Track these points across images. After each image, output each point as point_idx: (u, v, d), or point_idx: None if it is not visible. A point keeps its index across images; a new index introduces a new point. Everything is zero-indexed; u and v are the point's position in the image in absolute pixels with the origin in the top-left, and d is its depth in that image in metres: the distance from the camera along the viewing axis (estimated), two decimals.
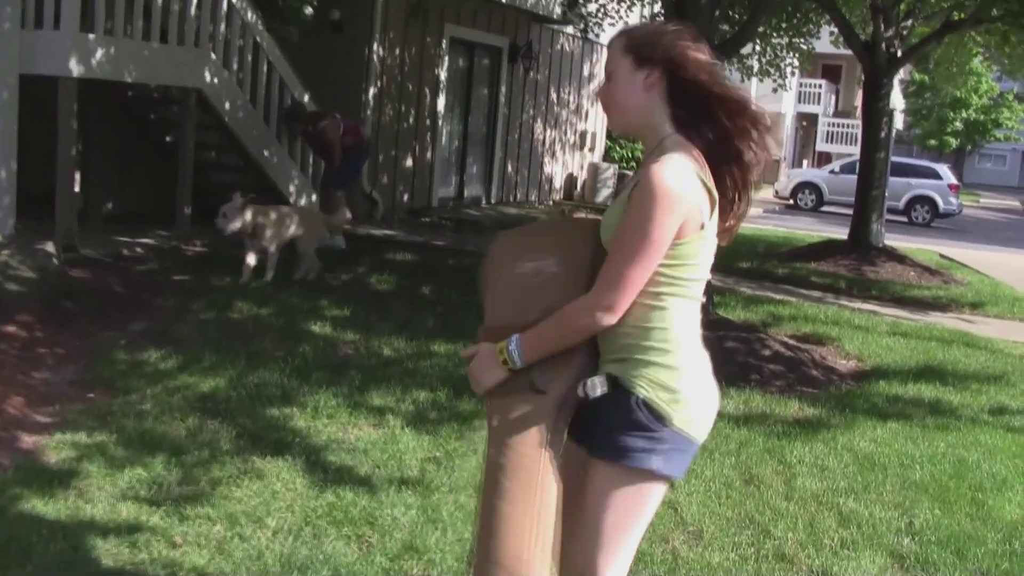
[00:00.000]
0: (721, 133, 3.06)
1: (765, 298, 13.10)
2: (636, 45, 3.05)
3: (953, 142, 60.49)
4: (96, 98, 12.25)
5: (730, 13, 10.81)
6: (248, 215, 10.31)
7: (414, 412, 6.98)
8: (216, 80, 12.76)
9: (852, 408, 7.96)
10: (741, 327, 10.13)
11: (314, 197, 14.65)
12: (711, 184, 2.99)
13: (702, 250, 3.01)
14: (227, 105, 13.05)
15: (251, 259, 10.52)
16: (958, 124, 59.26)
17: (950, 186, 32.39)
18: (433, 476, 5.88)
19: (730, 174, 3.11)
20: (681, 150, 2.97)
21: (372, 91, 16.69)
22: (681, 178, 2.90)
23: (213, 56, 12.72)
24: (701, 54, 3.03)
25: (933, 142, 59.96)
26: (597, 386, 2.98)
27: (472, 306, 10.16)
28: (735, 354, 8.96)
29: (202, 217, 11.99)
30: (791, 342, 9.99)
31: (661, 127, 3.05)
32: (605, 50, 3.27)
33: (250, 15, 13.24)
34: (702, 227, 2.97)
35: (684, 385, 2.99)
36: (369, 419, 6.77)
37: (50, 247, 10.24)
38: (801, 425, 7.40)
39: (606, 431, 3.01)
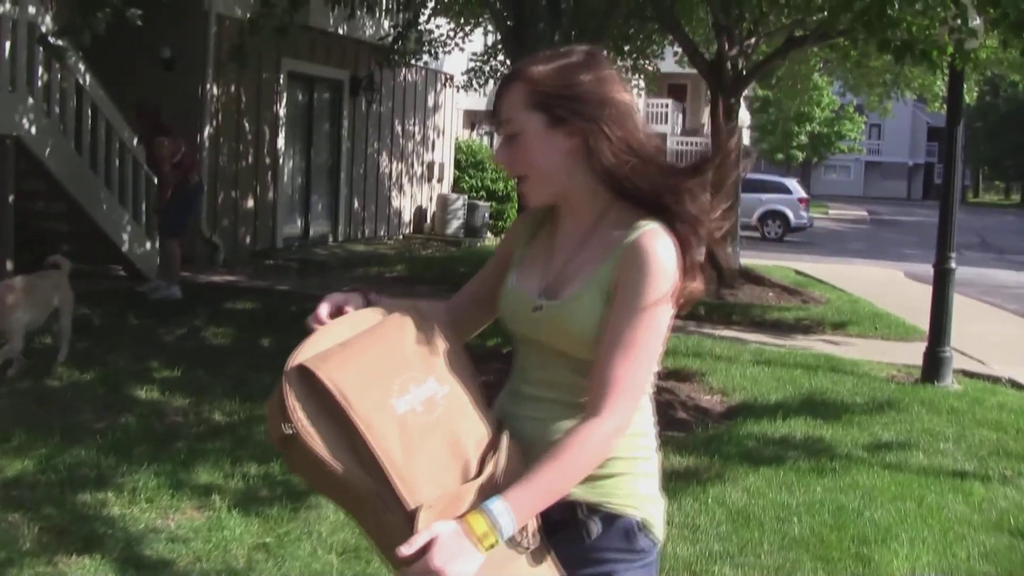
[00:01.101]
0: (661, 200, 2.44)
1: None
2: (548, 99, 2.38)
3: (799, 155, 61.46)
4: None
5: (572, 35, 10.35)
6: None
7: (243, 489, 6.28)
8: (35, 127, 11.92)
9: (722, 454, 7.48)
10: None
11: (148, 246, 13.87)
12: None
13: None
14: (48, 151, 12.20)
15: None
16: (803, 138, 60.19)
17: (800, 200, 32.66)
18: (262, 567, 5.22)
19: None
20: (644, 217, 2.39)
21: (208, 130, 16.03)
22: (674, 254, 2.35)
23: (31, 100, 11.88)
24: (630, 104, 2.44)
25: (780, 156, 60.82)
26: (592, 528, 2.40)
27: None
28: None
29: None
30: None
31: (599, 190, 2.44)
32: (495, 98, 2.53)
33: (72, 57, 12.41)
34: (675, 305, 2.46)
35: (659, 487, 2.54)
36: (193, 500, 6.06)
37: None
38: (667, 477, 6.82)
39: (597, 562, 2.42)
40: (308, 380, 2.22)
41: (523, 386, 2.54)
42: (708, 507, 6.36)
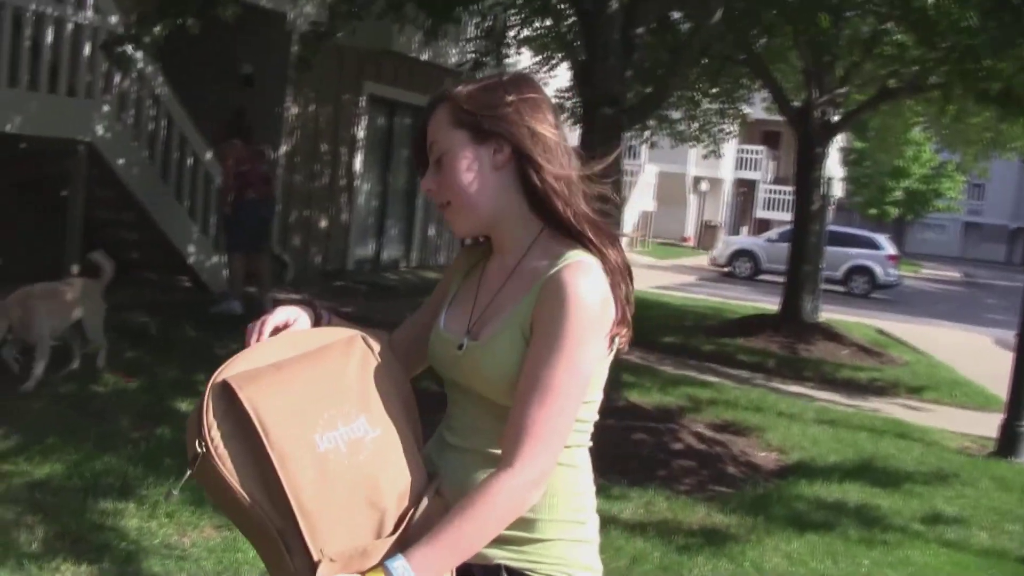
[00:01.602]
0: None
1: (686, 378, 12.24)
2: (472, 115, 2.21)
3: (894, 211, 60.39)
4: None
5: (645, 70, 10.07)
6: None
7: None
8: (108, 134, 11.86)
9: (767, 514, 7.06)
10: (652, 415, 9.28)
11: (216, 259, 13.74)
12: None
13: (604, 376, 2.26)
14: (120, 160, 12.12)
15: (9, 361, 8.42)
16: (899, 193, 59.16)
17: (889, 256, 31.90)
18: None
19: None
20: (577, 250, 2.18)
21: (284, 148, 15.85)
22: (602, 289, 2.13)
23: (106, 108, 11.82)
24: (551, 124, 2.24)
25: (874, 211, 59.79)
26: None
27: None
28: (641, 447, 8.11)
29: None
30: (707, 433, 9.14)
31: (528, 219, 2.25)
32: (420, 124, 2.33)
33: (149, 67, 12.36)
34: (610, 351, 2.22)
35: (597, 554, 2.30)
36: (213, 519, 5.82)
37: None
38: (707, 535, 6.50)
39: None
40: (231, 398, 2.02)
41: (447, 433, 2.32)
42: (744, 570, 5.99)
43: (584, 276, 2.10)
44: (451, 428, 2.30)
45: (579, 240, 2.17)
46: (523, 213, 2.24)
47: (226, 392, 2.03)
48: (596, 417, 2.25)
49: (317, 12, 14.32)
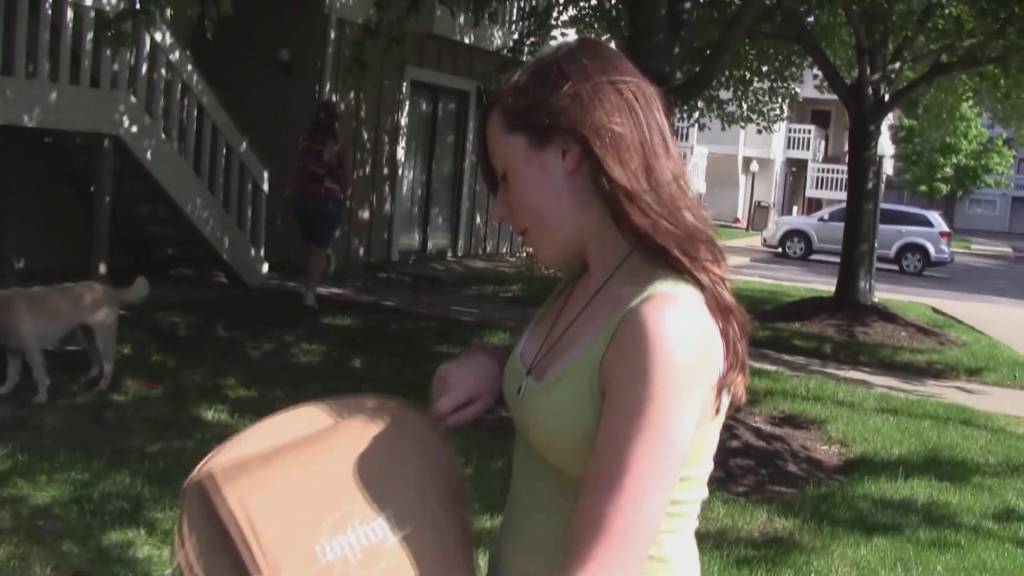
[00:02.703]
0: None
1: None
2: (523, 112, 1.74)
3: (944, 188, 59.58)
4: (9, 145, 11.30)
5: (693, 48, 9.64)
6: None
7: None
8: (135, 126, 11.56)
9: (831, 518, 6.67)
10: None
11: (252, 253, 13.49)
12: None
13: (714, 442, 1.75)
14: (149, 154, 11.84)
15: (11, 367, 7.93)
16: (948, 170, 58.35)
17: (941, 233, 31.35)
18: None
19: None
20: (668, 276, 1.68)
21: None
22: (699, 328, 1.63)
23: (133, 99, 11.53)
24: (623, 106, 1.72)
25: (923, 188, 59.01)
26: None
27: (400, 384, 9.06)
28: None
29: (131, 273, 10.83)
30: (766, 428, 8.76)
31: (614, 234, 1.75)
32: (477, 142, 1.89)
33: (177, 55, 12.07)
34: (717, 409, 1.71)
35: None
36: None
37: None
38: (768, 545, 6.13)
39: None
40: (211, 497, 1.63)
41: (510, 510, 1.87)
42: None
43: (671, 312, 1.60)
44: (515, 501, 1.86)
45: (668, 262, 1.68)
46: (606, 226, 1.75)
47: (206, 490, 1.64)
48: (704, 494, 1.76)
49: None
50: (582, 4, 16.34)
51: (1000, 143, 58.11)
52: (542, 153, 1.73)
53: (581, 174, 1.72)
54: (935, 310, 19.53)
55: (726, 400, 1.71)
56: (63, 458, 6.47)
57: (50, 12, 10.45)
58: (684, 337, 1.58)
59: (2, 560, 5.07)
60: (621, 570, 1.56)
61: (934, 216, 32.47)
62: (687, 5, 9.10)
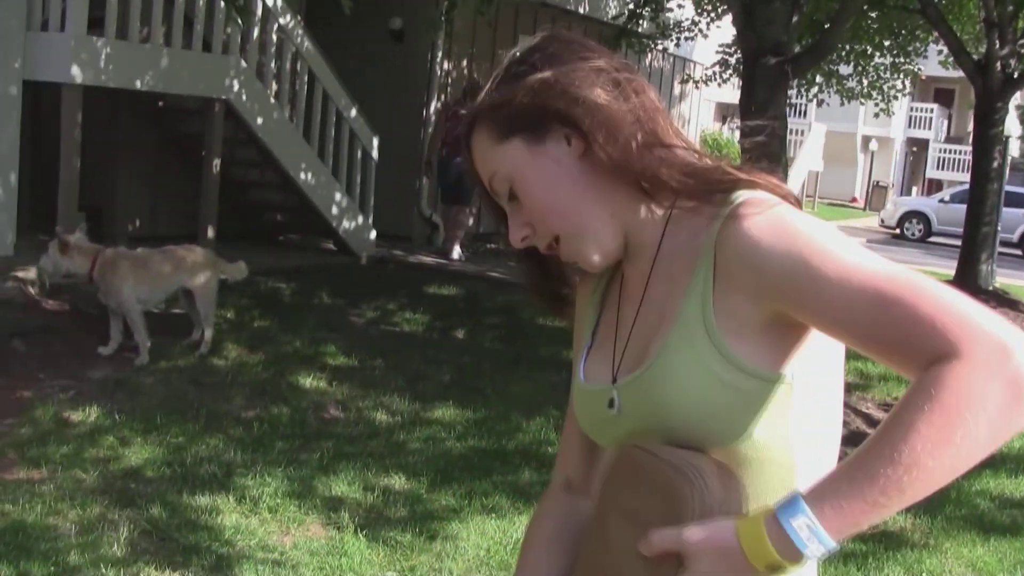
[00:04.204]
0: None
1: (853, 352, 11.45)
2: (510, 114, 1.60)
3: None
4: (125, 109, 11.31)
5: (812, 18, 9.22)
6: (68, 255, 7.68)
7: (379, 507, 5.57)
8: (246, 91, 11.50)
9: (945, 514, 6.33)
10: None
11: (360, 220, 13.39)
12: None
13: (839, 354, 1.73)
14: (260, 119, 11.78)
15: (113, 327, 7.94)
16: None
17: None
18: None
19: None
20: (730, 193, 1.55)
21: (435, 104, 15.40)
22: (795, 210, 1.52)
23: (244, 64, 11.47)
24: (601, 78, 1.59)
25: None
26: None
27: (503, 357, 8.88)
28: None
29: (242, 240, 10.80)
30: (877, 414, 8.42)
31: (646, 205, 1.62)
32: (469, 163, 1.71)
33: (288, 19, 11.98)
34: None
35: None
36: (321, 515, 5.38)
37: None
38: (877, 540, 5.82)
39: None
40: None
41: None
42: None
43: (766, 202, 1.49)
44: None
45: (720, 189, 1.55)
46: (636, 199, 1.60)
47: None
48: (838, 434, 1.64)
49: None
50: None
51: None
52: (544, 147, 1.60)
53: (591, 155, 1.57)
54: None
55: None
56: (158, 421, 6.45)
57: None
58: (796, 213, 1.49)
59: (89, 520, 5.03)
60: (998, 333, 1.35)
61: None
62: None
